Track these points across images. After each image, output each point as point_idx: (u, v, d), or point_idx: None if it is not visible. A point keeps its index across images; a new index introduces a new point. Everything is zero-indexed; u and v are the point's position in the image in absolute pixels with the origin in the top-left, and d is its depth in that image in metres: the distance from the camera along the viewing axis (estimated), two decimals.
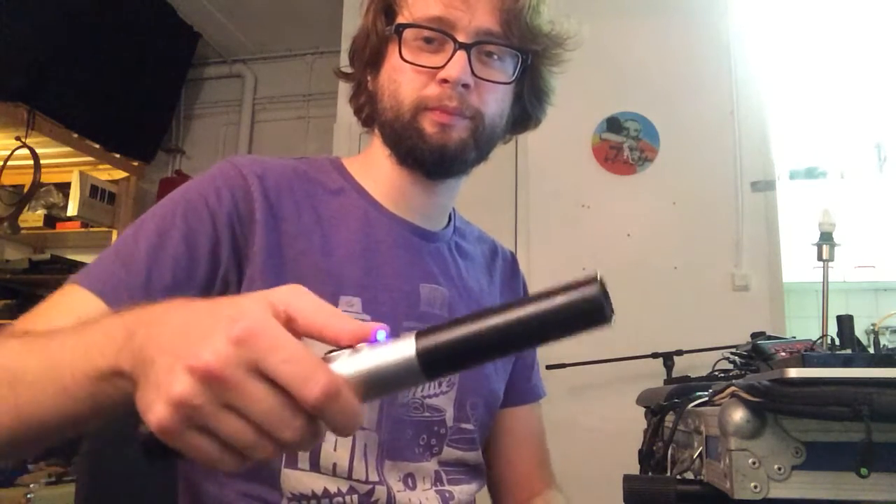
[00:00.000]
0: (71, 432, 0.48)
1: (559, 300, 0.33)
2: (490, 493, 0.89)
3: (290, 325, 0.37)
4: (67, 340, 0.45)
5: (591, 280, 0.33)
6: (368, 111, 0.83)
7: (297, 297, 0.38)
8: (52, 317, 0.59)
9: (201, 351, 0.34)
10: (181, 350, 0.35)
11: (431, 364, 0.35)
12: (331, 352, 0.37)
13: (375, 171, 0.81)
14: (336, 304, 0.72)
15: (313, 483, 0.68)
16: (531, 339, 0.34)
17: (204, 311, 0.38)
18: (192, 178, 0.74)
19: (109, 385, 0.41)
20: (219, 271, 0.68)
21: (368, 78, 0.81)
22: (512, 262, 0.96)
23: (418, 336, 0.35)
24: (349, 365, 0.36)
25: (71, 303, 0.62)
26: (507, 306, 0.35)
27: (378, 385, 0.36)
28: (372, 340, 0.37)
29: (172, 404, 0.34)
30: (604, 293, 0.33)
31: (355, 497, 0.69)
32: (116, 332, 0.41)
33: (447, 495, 0.76)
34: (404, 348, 0.35)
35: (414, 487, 0.73)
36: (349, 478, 0.70)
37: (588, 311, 0.33)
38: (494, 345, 0.34)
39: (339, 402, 0.35)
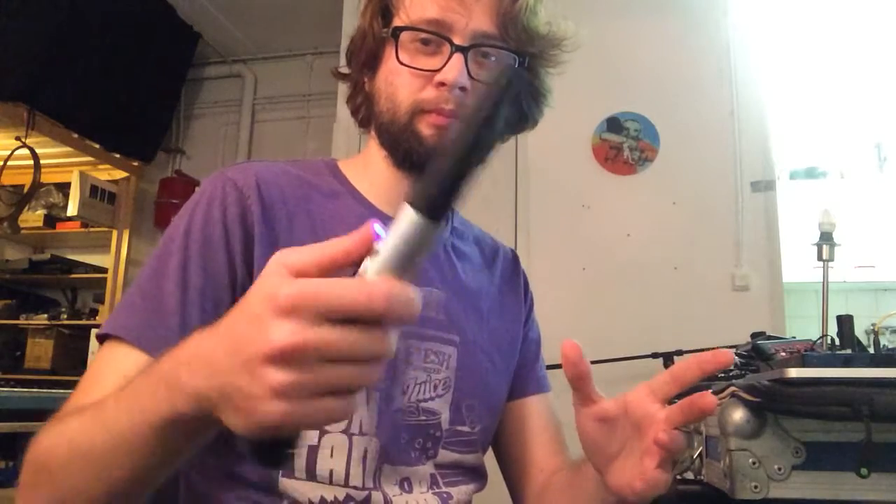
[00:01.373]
0: (162, 476, 0.50)
1: (489, 91, 0.37)
2: (508, 486, 0.89)
3: (305, 276, 0.38)
4: (120, 406, 0.47)
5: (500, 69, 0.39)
6: (365, 112, 0.83)
7: (288, 256, 0.38)
8: (102, 383, 0.61)
9: (267, 338, 0.35)
10: (246, 353, 0.36)
11: (432, 208, 0.37)
12: (355, 272, 0.39)
13: (372, 173, 0.81)
14: None
15: (310, 492, 0.68)
16: (489, 131, 0.37)
17: (235, 317, 0.39)
18: (190, 199, 0.73)
19: (175, 430, 0.44)
20: (237, 291, 0.69)
21: (365, 79, 0.81)
22: (513, 259, 0.96)
23: (407, 199, 0.38)
24: (378, 265, 0.38)
25: (116, 363, 0.63)
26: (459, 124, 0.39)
27: (408, 260, 0.38)
28: (377, 238, 0.39)
29: (277, 395, 0.36)
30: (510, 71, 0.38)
31: None
32: (158, 387, 0.43)
33: (445, 496, 0.76)
34: (405, 216, 0.38)
35: (410, 491, 0.73)
36: (345, 485, 0.69)
37: (509, 81, 0.37)
38: (466, 155, 0.37)
39: (399, 297, 0.36)
